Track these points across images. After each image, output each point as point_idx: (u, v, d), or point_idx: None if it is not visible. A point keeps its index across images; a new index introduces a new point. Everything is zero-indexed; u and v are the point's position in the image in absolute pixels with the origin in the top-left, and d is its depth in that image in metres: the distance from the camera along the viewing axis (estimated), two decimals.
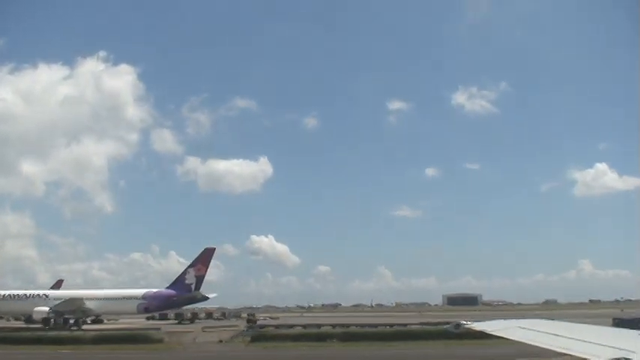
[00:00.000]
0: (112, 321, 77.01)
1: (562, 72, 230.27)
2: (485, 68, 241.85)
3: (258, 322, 67.63)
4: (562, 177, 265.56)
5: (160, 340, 47.41)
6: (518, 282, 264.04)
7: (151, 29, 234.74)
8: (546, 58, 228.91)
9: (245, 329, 55.37)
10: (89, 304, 68.01)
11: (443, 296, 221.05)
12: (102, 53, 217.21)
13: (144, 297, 70.72)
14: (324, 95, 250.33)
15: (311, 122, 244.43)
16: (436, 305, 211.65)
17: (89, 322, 70.78)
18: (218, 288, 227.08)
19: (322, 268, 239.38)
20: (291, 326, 57.70)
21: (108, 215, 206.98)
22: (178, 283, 72.45)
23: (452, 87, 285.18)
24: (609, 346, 6.84)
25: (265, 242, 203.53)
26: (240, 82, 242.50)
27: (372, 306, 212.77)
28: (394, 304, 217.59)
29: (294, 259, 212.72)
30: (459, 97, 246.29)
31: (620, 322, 53.07)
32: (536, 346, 7.87)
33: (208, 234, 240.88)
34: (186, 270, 73.20)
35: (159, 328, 54.62)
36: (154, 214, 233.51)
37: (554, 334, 8.14)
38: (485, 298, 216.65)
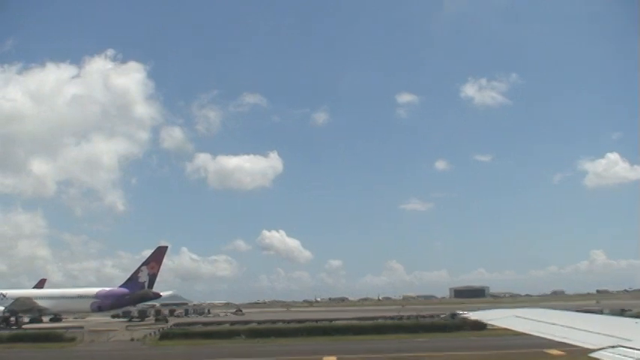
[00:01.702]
0: (78, 319, 79.70)
1: (573, 62, 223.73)
2: (496, 59, 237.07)
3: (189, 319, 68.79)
4: (573, 168, 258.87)
5: (72, 339, 48.62)
6: (531, 274, 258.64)
7: (160, 27, 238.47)
8: (557, 49, 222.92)
9: (169, 327, 56.54)
10: (43, 303, 70.42)
11: (450, 289, 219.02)
12: (110, 52, 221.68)
13: (97, 295, 72.84)
14: (334, 90, 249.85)
15: (320, 117, 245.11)
16: (443, 298, 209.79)
17: (45, 320, 73.22)
18: (229, 283, 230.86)
19: (334, 263, 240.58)
20: (220, 323, 58.64)
21: (119, 213, 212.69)
22: (132, 281, 74.20)
23: (461, 79, 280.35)
24: (604, 334, 6.82)
25: (277, 237, 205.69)
26: (249, 78, 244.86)
27: (379, 299, 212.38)
28: (402, 298, 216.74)
29: (306, 254, 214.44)
30: (469, 89, 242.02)
31: None
32: (533, 335, 7.86)
33: (219, 230, 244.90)
34: (139, 268, 74.84)
35: (82, 327, 56.31)
36: (166, 211, 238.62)
37: (550, 323, 8.10)
38: (498, 290, 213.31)
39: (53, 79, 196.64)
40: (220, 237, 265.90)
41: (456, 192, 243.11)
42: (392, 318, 57.86)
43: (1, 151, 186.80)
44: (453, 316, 50.80)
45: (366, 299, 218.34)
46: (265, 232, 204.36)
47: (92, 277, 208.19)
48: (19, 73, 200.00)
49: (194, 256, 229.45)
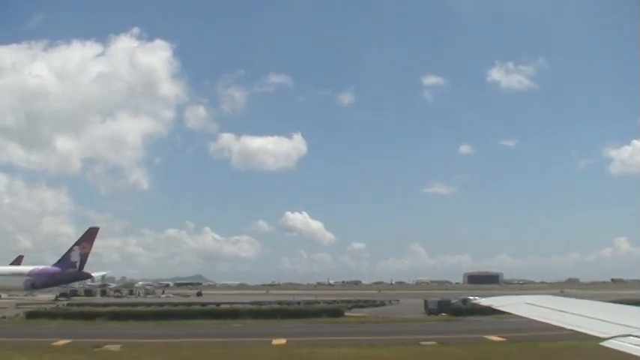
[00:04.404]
0: (28, 296, 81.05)
1: (600, 47, 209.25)
2: (523, 43, 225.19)
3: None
4: (599, 154, 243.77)
5: None
6: (554, 260, 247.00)
7: (186, 5, 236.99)
8: (584, 33, 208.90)
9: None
10: None
11: (463, 275, 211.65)
12: (135, 30, 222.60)
13: (30, 274, 73.82)
14: (359, 72, 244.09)
15: (346, 98, 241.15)
16: (457, 283, 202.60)
17: None
18: (252, 264, 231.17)
19: (357, 246, 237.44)
20: (107, 305, 58.14)
21: (143, 191, 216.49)
22: (64, 260, 74.66)
23: (488, 62, 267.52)
24: (615, 323, 6.74)
25: (299, 219, 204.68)
26: (275, 58, 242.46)
27: (391, 283, 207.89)
28: (415, 282, 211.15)
29: (329, 236, 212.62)
30: (495, 73, 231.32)
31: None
32: (543, 322, 7.79)
33: (242, 211, 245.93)
34: (71, 248, 75.18)
35: None
36: (189, 190, 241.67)
37: (560, 311, 8.04)
38: (514, 277, 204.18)
39: (79, 57, 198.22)
40: (243, 218, 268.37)
41: (480, 176, 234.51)
42: (280, 303, 56.68)
43: (26, 128, 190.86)
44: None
45: (379, 283, 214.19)
46: (288, 214, 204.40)
47: (116, 255, 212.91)
48: (45, 50, 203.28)
49: (216, 237, 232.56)
